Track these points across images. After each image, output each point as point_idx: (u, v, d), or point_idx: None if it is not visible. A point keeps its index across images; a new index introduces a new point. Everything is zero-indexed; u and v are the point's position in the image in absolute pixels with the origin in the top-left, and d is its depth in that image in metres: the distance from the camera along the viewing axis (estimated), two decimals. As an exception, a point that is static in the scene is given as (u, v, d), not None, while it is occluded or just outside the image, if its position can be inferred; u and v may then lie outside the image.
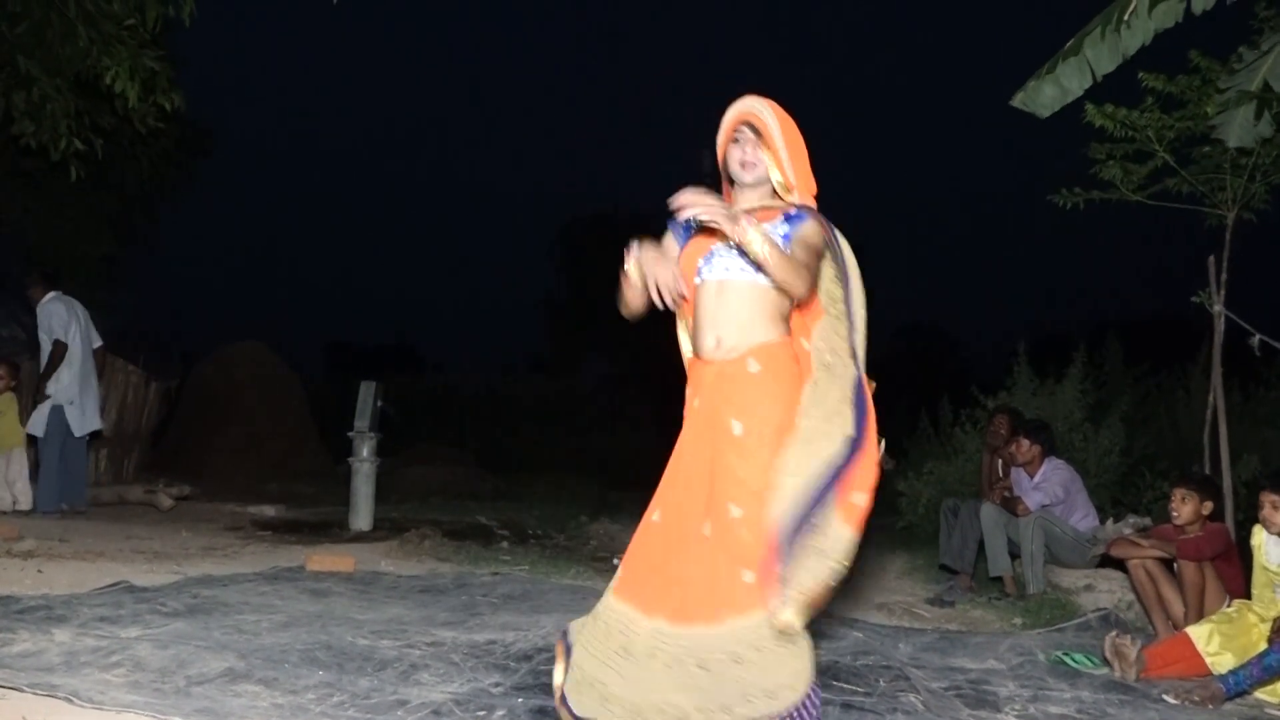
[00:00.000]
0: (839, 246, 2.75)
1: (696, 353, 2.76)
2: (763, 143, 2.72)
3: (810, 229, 2.66)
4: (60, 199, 11.12)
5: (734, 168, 2.77)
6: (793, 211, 2.71)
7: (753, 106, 2.76)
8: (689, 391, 2.77)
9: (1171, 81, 5.47)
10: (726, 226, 2.48)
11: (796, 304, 2.70)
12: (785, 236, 2.65)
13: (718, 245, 2.69)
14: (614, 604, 2.63)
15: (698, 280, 2.73)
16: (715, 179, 2.87)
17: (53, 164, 7.73)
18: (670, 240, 2.87)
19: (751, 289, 2.65)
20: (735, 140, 2.77)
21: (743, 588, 2.49)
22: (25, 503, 7.05)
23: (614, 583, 2.67)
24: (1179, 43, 5.17)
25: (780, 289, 2.60)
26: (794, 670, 2.49)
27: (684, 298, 2.71)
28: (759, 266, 2.56)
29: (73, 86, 7.34)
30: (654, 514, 2.67)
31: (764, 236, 2.51)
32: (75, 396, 7.49)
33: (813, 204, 2.77)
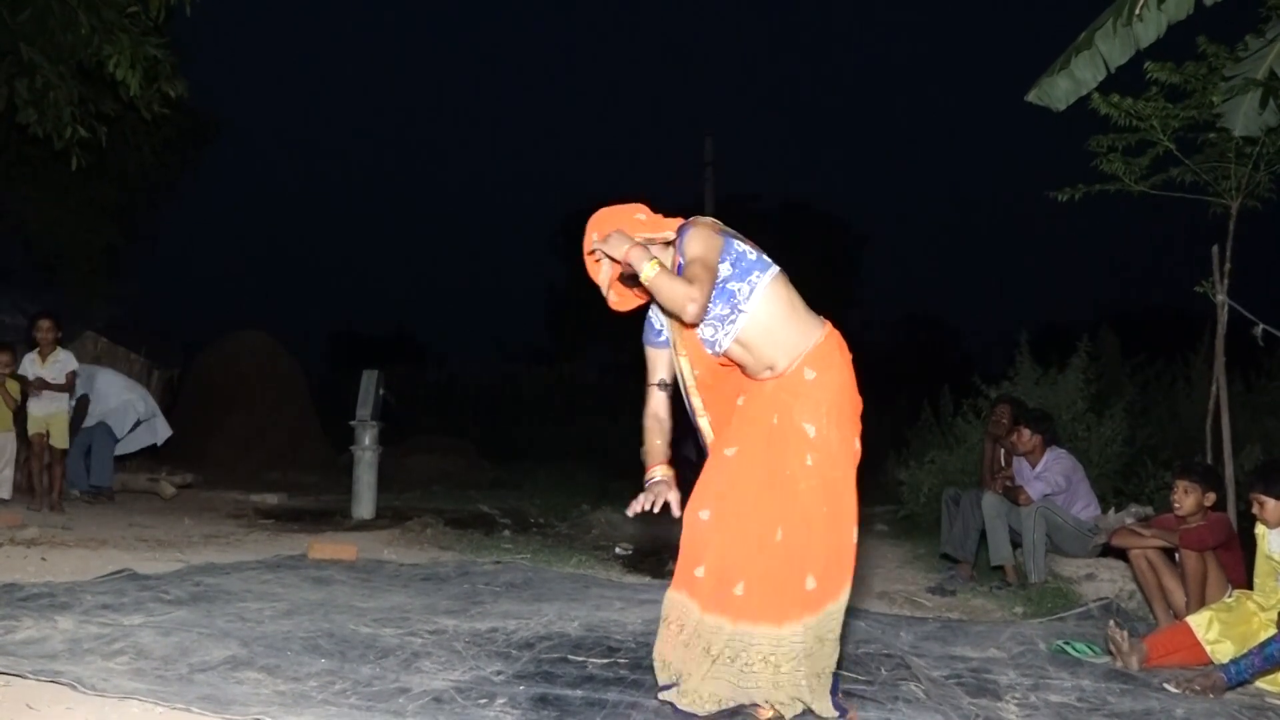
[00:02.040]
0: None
1: (752, 376, 2.94)
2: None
3: (693, 241, 2.79)
4: (62, 188, 11.11)
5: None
6: (672, 235, 2.91)
7: (591, 234, 2.92)
8: (740, 396, 2.98)
9: (1177, 71, 5.44)
10: (625, 256, 2.74)
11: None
12: (679, 267, 2.82)
13: (703, 329, 2.86)
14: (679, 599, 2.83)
15: (717, 352, 2.90)
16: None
17: (56, 153, 7.72)
18: (651, 352, 3.05)
19: (759, 318, 2.82)
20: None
21: (807, 594, 2.73)
22: (5, 492, 7.05)
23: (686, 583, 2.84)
24: (1192, 31, 5.17)
25: (672, 314, 2.81)
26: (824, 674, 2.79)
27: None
28: (648, 290, 2.76)
29: (75, 74, 7.33)
30: (702, 512, 2.81)
31: (654, 264, 2.71)
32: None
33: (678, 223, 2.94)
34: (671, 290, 2.67)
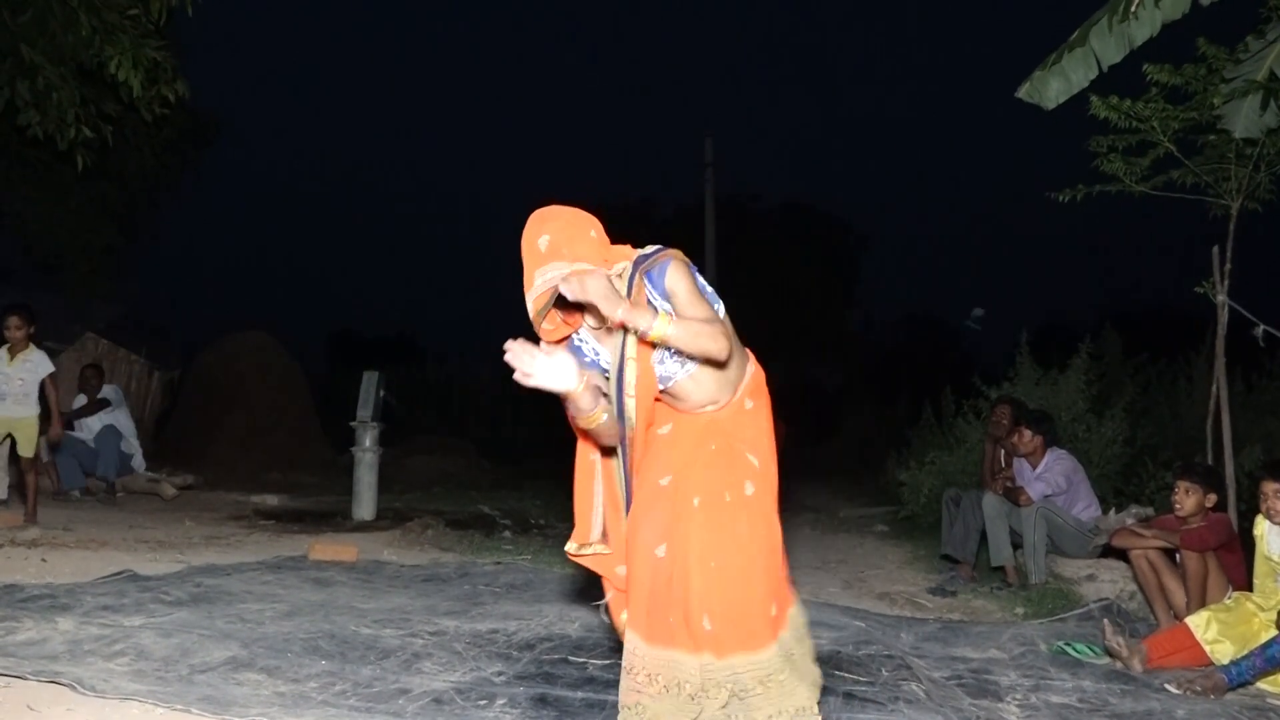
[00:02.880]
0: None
1: (684, 410, 2.67)
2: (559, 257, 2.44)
3: (681, 277, 2.49)
4: (62, 188, 11.12)
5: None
6: (652, 271, 2.51)
7: (537, 240, 2.46)
8: (664, 425, 2.69)
9: (1177, 73, 5.44)
10: (622, 317, 2.33)
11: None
12: (662, 294, 2.49)
13: (665, 365, 2.57)
14: (651, 650, 2.52)
15: (666, 387, 2.63)
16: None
17: (58, 153, 7.73)
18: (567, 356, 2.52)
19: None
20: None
21: (770, 620, 2.54)
22: (0, 492, 7.01)
23: (639, 627, 2.55)
24: (1186, 31, 5.16)
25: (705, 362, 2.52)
26: (808, 693, 2.55)
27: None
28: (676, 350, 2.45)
29: (77, 75, 7.34)
30: (658, 549, 2.53)
31: (665, 316, 2.36)
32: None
33: (630, 255, 2.58)
34: (698, 338, 2.37)
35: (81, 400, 8.38)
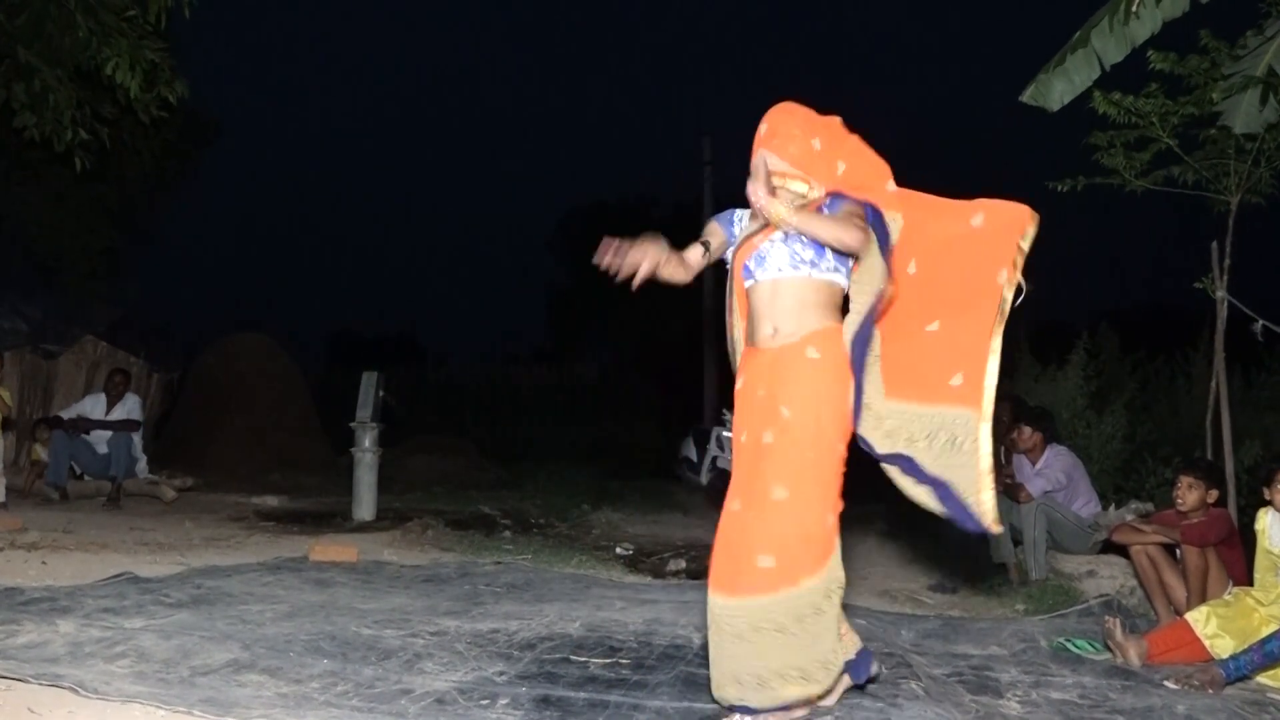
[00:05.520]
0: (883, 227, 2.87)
1: (752, 342, 2.89)
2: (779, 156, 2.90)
3: (847, 206, 2.83)
4: (61, 190, 11.10)
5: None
6: (826, 201, 2.89)
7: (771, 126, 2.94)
8: (739, 376, 2.93)
9: (1181, 62, 5.43)
10: (760, 203, 2.73)
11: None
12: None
13: (764, 245, 2.84)
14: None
15: (749, 283, 2.90)
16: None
17: (55, 155, 7.71)
18: (716, 227, 3.04)
19: (805, 283, 2.80)
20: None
21: (759, 571, 2.63)
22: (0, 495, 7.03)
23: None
24: (1183, 29, 5.16)
25: (839, 250, 2.77)
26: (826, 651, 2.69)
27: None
28: (813, 240, 2.75)
29: (74, 77, 7.32)
30: (733, 503, 2.78)
31: (789, 207, 2.73)
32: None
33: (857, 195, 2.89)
34: (824, 228, 2.72)
35: (100, 399, 8.33)
